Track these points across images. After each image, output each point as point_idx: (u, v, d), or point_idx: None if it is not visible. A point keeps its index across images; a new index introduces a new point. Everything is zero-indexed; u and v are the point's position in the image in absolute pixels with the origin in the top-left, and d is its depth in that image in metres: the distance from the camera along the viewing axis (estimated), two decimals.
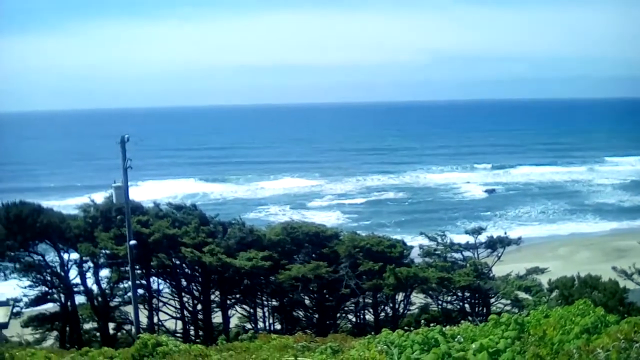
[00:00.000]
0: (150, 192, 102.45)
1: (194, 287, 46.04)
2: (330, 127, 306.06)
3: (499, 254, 47.37)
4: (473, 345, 8.72)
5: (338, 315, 47.08)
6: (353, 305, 46.52)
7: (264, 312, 47.56)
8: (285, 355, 20.44)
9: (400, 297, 46.14)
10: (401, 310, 46.57)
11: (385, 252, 44.34)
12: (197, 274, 45.10)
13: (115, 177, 39.63)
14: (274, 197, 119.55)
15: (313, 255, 45.14)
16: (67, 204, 67.85)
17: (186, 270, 45.60)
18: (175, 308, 45.78)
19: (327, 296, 45.49)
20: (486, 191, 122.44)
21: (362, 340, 18.34)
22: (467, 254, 47.53)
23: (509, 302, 42.69)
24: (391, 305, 46.73)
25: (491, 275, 45.08)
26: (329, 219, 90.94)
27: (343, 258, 43.69)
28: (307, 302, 46.74)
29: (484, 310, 44.44)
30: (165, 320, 45.86)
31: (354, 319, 47.94)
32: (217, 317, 45.68)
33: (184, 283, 45.97)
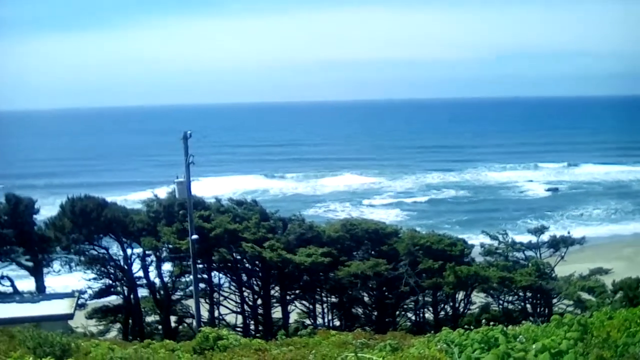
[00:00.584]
0: (210, 187, 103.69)
1: (254, 282, 46.46)
2: (389, 123, 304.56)
3: (562, 254, 46.60)
4: (534, 346, 8.66)
5: (397, 313, 46.98)
6: (412, 303, 46.38)
7: (323, 308, 47.75)
8: (345, 351, 20.55)
9: (460, 296, 45.79)
10: (461, 309, 46.20)
11: (446, 250, 44.08)
12: (257, 269, 45.51)
13: (176, 173, 40.22)
14: (333, 194, 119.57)
15: (372, 252, 45.07)
16: (129, 199, 69.09)
17: (246, 265, 46.07)
18: (236, 302, 46.27)
19: (386, 294, 45.39)
20: (549, 190, 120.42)
21: (422, 338, 18.33)
22: (529, 253, 46.91)
23: (571, 303, 42.05)
24: (451, 304, 46.43)
25: (553, 275, 44.40)
26: (388, 216, 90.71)
27: (403, 256, 43.56)
28: (366, 299, 46.75)
29: (546, 311, 43.80)
30: (226, 314, 46.40)
31: (413, 317, 47.78)
32: (276, 312, 46.01)
33: (245, 278, 46.46)
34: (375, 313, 46.55)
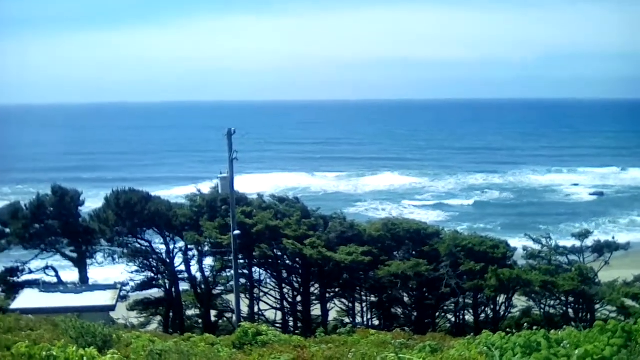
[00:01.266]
0: (252, 184, 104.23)
1: (294, 279, 46.65)
2: (431, 123, 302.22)
3: (606, 259, 45.82)
4: (577, 352, 8.55)
5: (437, 314, 46.71)
6: (452, 305, 46.05)
7: (362, 307, 47.72)
8: (384, 351, 20.52)
9: (501, 299, 45.31)
10: (502, 313, 45.75)
11: (488, 252, 43.64)
12: (298, 266, 45.66)
13: (218, 169, 40.56)
14: (374, 193, 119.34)
15: (413, 252, 44.88)
16: (172, 194, 69.74)
17: (287, 261, 46.23)
18: (275, 299, 46.51)
19: (426, 294, 45.20)
20: (594, 194, 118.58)
21: (462, 340, 18.21)
22: (572, 257, 46.20)
23: (614, 309, 41.35)
24: (492, 306, 46.01)
25: (597, 280, 43.70)
26: (429, 217, 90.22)
27: (444, 257, 43.29)
28: (405, 299, 46.57)
29: (588, 317, 43.16)
30: (266, 310, 46.63)
31: (453, 319, 47.44)
32: (315, 310, 46.14)
33: (285, 274, 46.65)
34: (415, 314, 46.39)
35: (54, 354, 9.94)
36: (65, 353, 9.96)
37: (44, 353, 9.93)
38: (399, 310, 47.44)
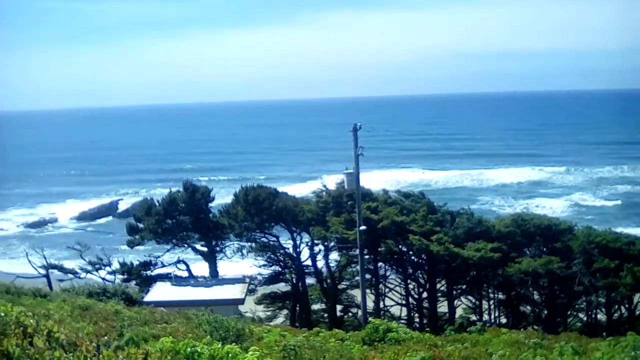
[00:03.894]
0: (375, 179, 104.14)
1: (420, 275, 46.14)
2: (558, 117, 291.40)
3: None
4: None
5: (568, 313, 45.09)
6: (585, 303, 44.35)
7: (489, 305, 46.69)
8: (517, 351, 19.87)
9: (637, 297, 43.27)
10: (638, 312, 43.70)
11: (623, 249, 41.65)
12: (424, 262, 45.15)
13: (335, 166, 40.65)
14: (499, 188, 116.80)
15: (544, 249, 43.45)
16: (293, 191, 70.62)
17: (413, 258, 45.83)
18: (401, 295, 46.17)
19: (557, 293, 43.67)
20: None
21: (603, 342, 17.39)
22: None
23: None
24: (627, 305, 44.00)
25: None
26: (556, 212, 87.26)
27: (576, 254, 41.67)
28: (535, 297, 45.19)
29: None
30: (391, 306, 46.40)
31: (584, 318, 45.68)
32: (441, 307, 45.49)
33: (410, 270, 46.20)
34: (545, 312, 44.91)
35: (199, 350, 10.05)
36: (210, 349, 10.04)
37: (189, 349, 10.05)
38: (528, 309, 46.09)
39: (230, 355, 10.02)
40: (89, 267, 47.44)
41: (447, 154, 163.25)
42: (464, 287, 46.07)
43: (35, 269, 48.40)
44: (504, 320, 45.40)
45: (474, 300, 46.63)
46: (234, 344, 15.16)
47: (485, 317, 45.74)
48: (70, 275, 47.54)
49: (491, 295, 46.68)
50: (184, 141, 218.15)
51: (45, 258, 49.11)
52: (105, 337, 13.17)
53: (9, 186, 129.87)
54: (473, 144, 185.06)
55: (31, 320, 6.63)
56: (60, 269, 48.82)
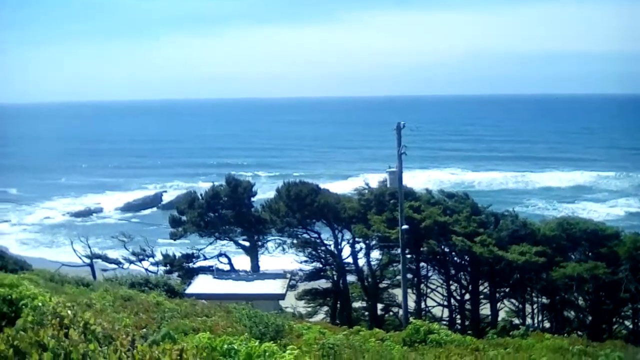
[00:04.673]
0: (418, 178, 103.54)
1: (463, 277, 45.64)
2: (600, 119, 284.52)
3: None
4: None
5: (614, 320, 44.20)
6: (631, 311, 43.45)
7: (532, 309, 45.98)
8: (561, 357, 19.46)
9: None
10: None
11: None
12: (466, 264, 44.67)
13: (377, 165, 40.38)
14: (544, 190, 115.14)
15: (589, 254, 42.69)
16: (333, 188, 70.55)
17: (455, 259, 45.36)
18: (442, 295, 45.74)
19: (603, 299, 42.86)
20: None
21: None
22: None
23: None
24: None
25: None
26: (603, 217, 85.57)
27: (623, 260, 40.79)
28: (580, 302, 44.39)
29: None
30: (432, 306, 46.00)
31: (630, 326, 44.74)
32: (483, 309, 44.95)
33: (453, 271, 45.73)
34: (590, 318, 44.09)
35: (236, 347, 9.92)
36: (247, 347, 9.91)
37: (225, 346, 9.93)
38: (572, 314, 45.28)
39: (267, 353, 9.87)
40: (133, 258, 47.94)
41: (491, 156, 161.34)
42: (507, 290, 45.44)
43: (80, 257, 49.09)
44: (547, 325, 44.63)
45: (517, 304, 45.98)
46: (272, 340, 15.07)
47: (529, 321, 45.07)
48: (114, 265, 48.15)
49: (535, 299, 45.93)
50: (223, 136, 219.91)
51: (89, 247, 49.82)
52: (144, 330, 13.17)
53: (55, 176, 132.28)
54: (517, 145, 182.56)
55: (69, 311, 6.55)
56: (104, 258, 49.41)
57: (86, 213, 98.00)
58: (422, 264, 45.89)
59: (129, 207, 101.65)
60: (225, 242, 47.49)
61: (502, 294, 45.50)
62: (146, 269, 46.84)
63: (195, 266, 46.13)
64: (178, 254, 47.21)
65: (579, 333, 39.09)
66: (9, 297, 7.73)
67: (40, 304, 6.94)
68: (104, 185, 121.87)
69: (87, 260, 48.60)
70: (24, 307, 7.29)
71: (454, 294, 45.48)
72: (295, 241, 46.50)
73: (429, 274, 46.67)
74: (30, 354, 5.32)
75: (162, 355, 5.74)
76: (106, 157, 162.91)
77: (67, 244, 57.01)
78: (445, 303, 45.54)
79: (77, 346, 5.48)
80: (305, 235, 46.39)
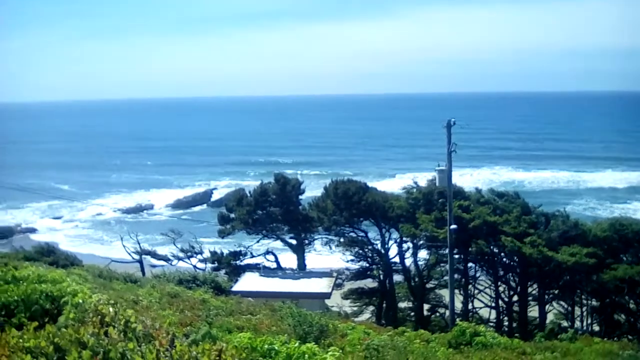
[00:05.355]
0: (466, 177, 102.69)
1: (511, 278, 45.04)
2: None
3: None
4: None
5: None
6: None
7: (582, 312, 45.20)
8: None
9: None
10: None
11: None
12: (516, 265, 44.04)
13: (426, 163, 40.02)
14: (596, 191, 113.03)
15: None
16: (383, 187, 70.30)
17: (504, 259, 44.77)
18: (490, 297, 45.20)
19: None
20: None
21: None
22: None
23: None
24: None
25: None
26: None
27: None
28: (631, 306, 43.49)
29: None
30: (479, 308, 45.51)
31: None
32: (532, 311, 44.32)
33: (501, 272, 45.17)
34: None
35: (276, 348, 9.91)
36: (287, 348, 9.89)
37: (266, 346, 9.93)
38: (623, 318, 44.35)
39: (307, 355, 9.84)
40: (181, 255, 48.43)
41: (542, 155, 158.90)
42: (556, 291, 44.71)
43: (129, 254, 49.78)
44: (596, 329, 43.85)
45: (566, 306, 45.27)
46: (316, 340, 15.04)
47: (577, 324, 44.35)
48: (163, 262, 48.67)
49: (584, 302, 45.16)
50: (273, 134, 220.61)
51: (139, 244, 50.43)
52: (188, 327, 13.26)
53: (105, 173, 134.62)
54: (569, 144, 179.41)
55: (110, 309, 6.59)
56: (153, 255, 50.04)
57: (137, 210, 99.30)
58: (470, 264, 45.44)
59: (179, 204, 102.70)
60: (272, 239, 47.64)
61: (551, 295, 44.79)
62: (194, 266, 47.26)
63: (242, 263, 46.43)
64: (226, 251, 47.51)
65: (630, 337, 38.36)
66: (52, 293, 7.83)
67: (80, 300, 7.00)
68: (155, 182, 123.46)
69: (137, 257, 49.25)
70: (65, 304, 7.37)
71: (502, 295, 44.90)
72: (342, 240, 46.45)
73: (477, 274, 46.20)
74: (70, 352, 5.36)
75: (201, 356, 5.74)
76: (156, 155, 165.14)
77: (117, 240, 57.79)
78: (493, 304, 45.01)
79: (116, 345, 5.51)
80: (352, 234, 46.29)
